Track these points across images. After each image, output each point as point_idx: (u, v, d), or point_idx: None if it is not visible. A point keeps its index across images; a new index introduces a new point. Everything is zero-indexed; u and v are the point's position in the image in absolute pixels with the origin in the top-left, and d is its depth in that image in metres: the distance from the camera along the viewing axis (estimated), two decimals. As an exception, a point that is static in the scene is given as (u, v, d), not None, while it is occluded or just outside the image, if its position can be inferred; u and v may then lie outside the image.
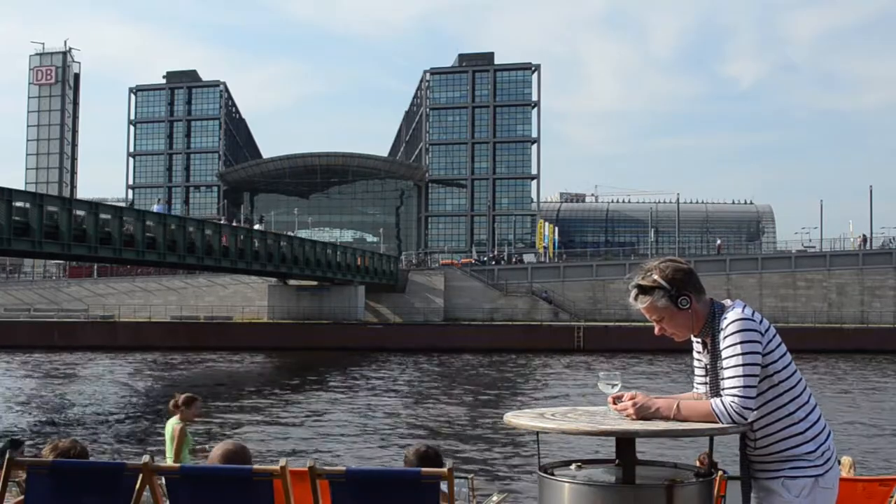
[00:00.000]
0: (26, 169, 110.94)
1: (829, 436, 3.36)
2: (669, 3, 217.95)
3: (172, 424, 9.08)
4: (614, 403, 3.44)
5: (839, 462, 5.06)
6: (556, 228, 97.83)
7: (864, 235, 73.81)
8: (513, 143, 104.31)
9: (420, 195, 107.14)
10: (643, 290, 3.40)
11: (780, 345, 3.33)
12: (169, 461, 8.79)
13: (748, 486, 3.38)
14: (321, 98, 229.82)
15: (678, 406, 3.31)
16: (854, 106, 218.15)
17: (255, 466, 3.74)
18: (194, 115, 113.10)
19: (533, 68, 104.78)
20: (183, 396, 9.17)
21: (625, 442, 3.30)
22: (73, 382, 38.85)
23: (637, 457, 3.34)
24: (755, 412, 3.29)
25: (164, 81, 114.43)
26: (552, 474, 3.37)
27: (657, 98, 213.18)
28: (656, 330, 3.48)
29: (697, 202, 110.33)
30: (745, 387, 3.22)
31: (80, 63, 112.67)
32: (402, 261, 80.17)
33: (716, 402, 3.26)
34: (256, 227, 56.06)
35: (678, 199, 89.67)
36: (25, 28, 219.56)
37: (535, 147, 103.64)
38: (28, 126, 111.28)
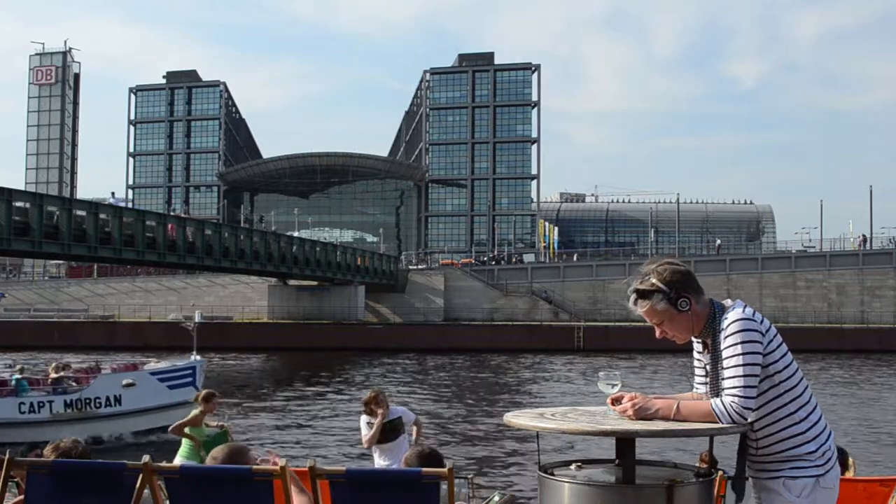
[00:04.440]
0: (26, 169, 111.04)
1: (829, 436, 3.36)
2: (671, 3, 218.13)
3: (193, 411, 10.99)
4: (613, 405, 3.44)
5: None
6: (556, 228, 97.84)
7: (863, 235, 73.84)
8: (513, 143, 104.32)
9: (420, 195, 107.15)
10: (642, 294, 3.40)
11: (780, 345, 3.33)
12: (180, 455, 10.72)
13: (741, 483, 3.38)
14: (321, 98, 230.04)
15: (678, 406, 3.31)
16: (854, 106, 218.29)
17: (255, 466, 3.74)
18: (194, 115, 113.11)
19: (533, 68, 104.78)
20: (203, 392, 11.22)
21: (625, 442, 3.30)
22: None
23: (637, 457, 3.34)
24: (756, 412, 3.29)
25: (164, 81, 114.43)
26: (552, 474, 3.37)
27: (658, 98, 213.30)
28: (657, 333, 3.47)
29: (697, 202, 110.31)
30: (745, 387, 3.22)
31: (80, 63, 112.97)
32: (402, 261, 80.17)
33: (716, 402, 3.26)
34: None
35: (678, 199, 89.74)
36: (25, 28, 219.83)
37: (535, 147, 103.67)
38: (28, 126, 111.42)
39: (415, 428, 8.96)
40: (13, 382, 23.21)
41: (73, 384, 23.61)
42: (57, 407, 22.58)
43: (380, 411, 8.79)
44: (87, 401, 22.85)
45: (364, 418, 8.95)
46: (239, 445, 4.00)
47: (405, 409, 9.17)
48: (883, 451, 22.33)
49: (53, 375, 23.54)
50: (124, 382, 23.49)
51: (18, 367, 24.64)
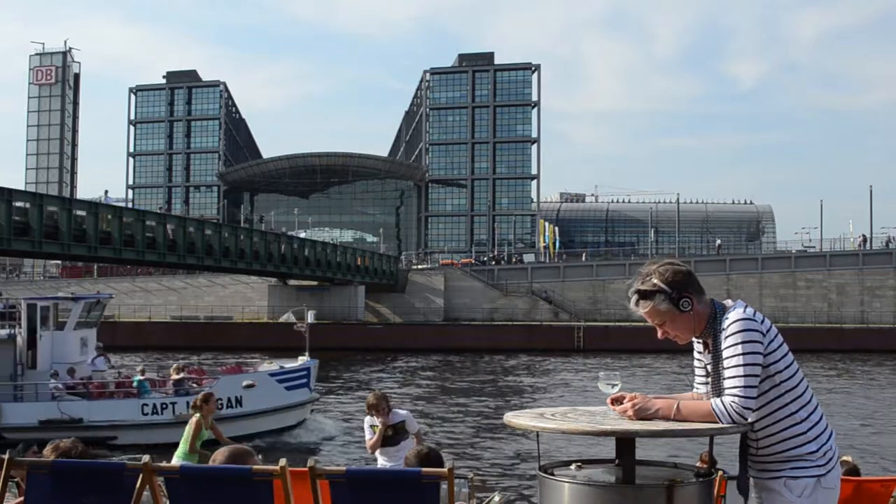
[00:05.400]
0: (26, 169, 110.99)
1: (830, 436, 3.35)
2: (671, 3, 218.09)
3: (192, 418, 10.92)
4: (613, 405, 3.43)
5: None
6: (556, 228, 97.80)
7: (864, 235, 73.81)
8: (513, 143, 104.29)
9: (420, 195, 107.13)
10: (644, 295, 3.39)
11: (781, 345, 3.33)
12: (178, 455, 10.71)
13: (744, 484, 3.38)
14: (321, 98, 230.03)
15: (678, 406, 3.31)
16: (854, 106, 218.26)
17: (255, 466, 3.74)
18: (194, 115, 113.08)
19: (533, 68, 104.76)
20: (201, 395, 11.31)
21: (625, 442, 3.30)
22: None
23: (637, 457, 3.34)
24: (757, 412, 3.28)
25: (164, 81, 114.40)
26: (552, 474, 3.37)
27: (658, 98, 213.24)
28: (659, 334, 3.47)
29: (697, 202, 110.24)
30: (745, 387, 3.22)
31: (80, 63, 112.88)
32: (402, 261, 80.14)
33: (716, 402, 3.26)
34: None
35: (678, 199, 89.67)
36: (25, 28, 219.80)
37: (535, 147, 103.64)
38: (28, 126, 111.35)
39: (414, 440, 8.83)
40: (135, 384, 23.03)
41: (195, 385, 23.41)
42: (180, 408, 22.21)
43: (380, 419, 8.75)
44: None
45: (368, 420, 8.94)
46: (243, 448, 3.99)
47: (408, 414, 9.09)
48: (883, 451, 22.33)
49: (175, 377, 23.21)
50: (245, 384, 23.21)
51: (140, 367, 24.34)
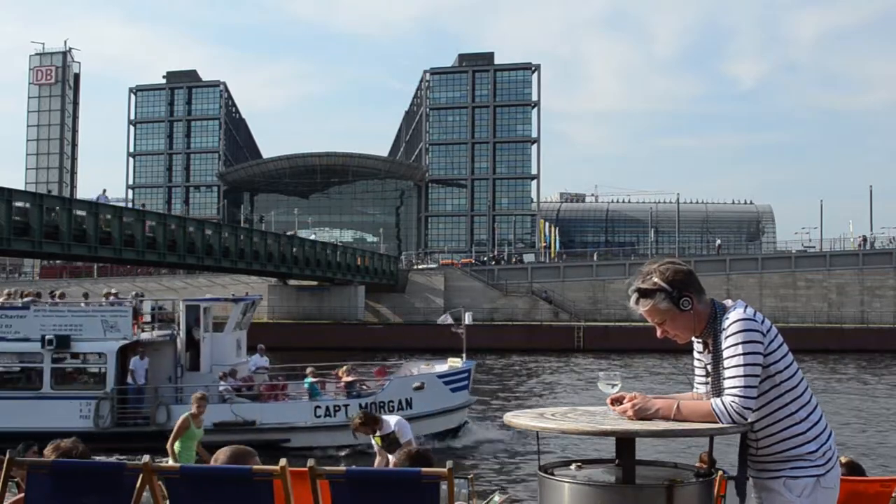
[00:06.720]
0: (26, 169, 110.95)
1: (830, 435, 3.36)
2: (671, 3, 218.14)
3: (181, 415, 11.42)
4: (613, 405, 3.43)
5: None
6: (556, 228, 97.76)
7: (864, 236, 73.83)
8: (513, 143, 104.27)
9: (420, 195, 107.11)
10: (644, 293, 3.39)
11: (781, 345, 3.33)
12: (169, 453, 10.96)
13: (742, 484, 3.38)
14: (321, 98, 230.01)
15: (678, 406, 3.31)
16: (854, 106, 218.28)
17: (255, 466, 3.74)
18: (194, 115, 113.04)
19: (533, 68, 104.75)
20: (196, 395, 11.70)
21: (625, 442, 3.30)
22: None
23: (637, 457, 3.34)
24: (757, 412, 3.28)
25: (164, 81, 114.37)
26: (552, 474, 3.37)
27: (658, 98, 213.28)
28: (658, 333, 3.47)
29: (697, 202, 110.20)
30: (745, 387, 3.22)
31: (80, 63, 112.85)
32: (402, 261, 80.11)
33: (716, 402, 3.26)
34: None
35: (678, 199, 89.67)
36: (25, 28, 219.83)
37: (535, 147, 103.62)
38: (28, 126, 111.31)
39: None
40: (305, 386, 22.74)
41: (365, 388, 23.19)
42: (353, 411, 22.10)
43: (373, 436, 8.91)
44: (382, 404, 22.27)
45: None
46: (245, 448, 3.99)
47: (399, 421, 9.06)
48: (883, 451, 22.33)
49: (346, 379, 22.91)
50: (415, 385, 22.97)
51: (309, 369, 24.29)
